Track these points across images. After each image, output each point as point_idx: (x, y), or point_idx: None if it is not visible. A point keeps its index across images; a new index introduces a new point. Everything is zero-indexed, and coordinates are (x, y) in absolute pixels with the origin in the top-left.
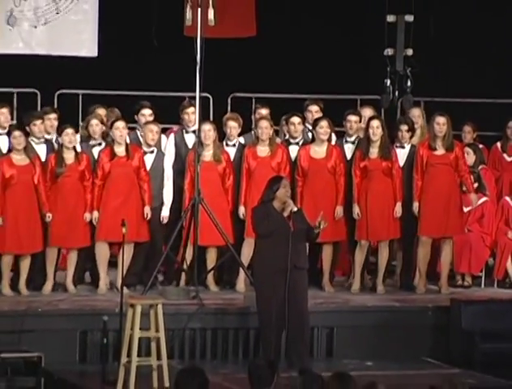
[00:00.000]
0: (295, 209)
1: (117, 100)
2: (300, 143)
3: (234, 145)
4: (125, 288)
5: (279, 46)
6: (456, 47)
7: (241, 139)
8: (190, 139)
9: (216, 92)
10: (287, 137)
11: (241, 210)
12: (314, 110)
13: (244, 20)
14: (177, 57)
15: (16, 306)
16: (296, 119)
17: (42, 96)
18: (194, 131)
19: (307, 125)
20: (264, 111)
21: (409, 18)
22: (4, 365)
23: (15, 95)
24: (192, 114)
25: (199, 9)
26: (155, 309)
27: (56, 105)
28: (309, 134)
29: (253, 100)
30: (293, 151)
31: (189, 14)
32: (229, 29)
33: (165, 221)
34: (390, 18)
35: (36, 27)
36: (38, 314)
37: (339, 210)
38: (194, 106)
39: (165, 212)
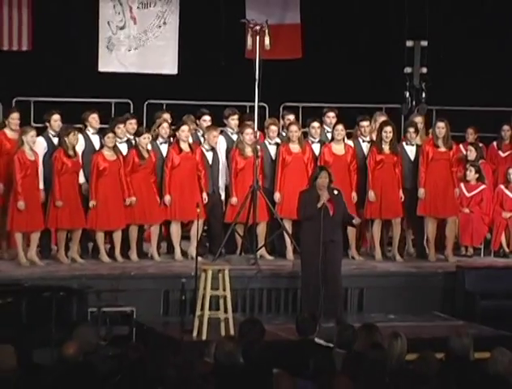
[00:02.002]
0: (325, 200)
1: (193, 109)
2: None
3: (275, 144)
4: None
5: (320, 66)
6: (461, 66)
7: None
8: (234, 139)
9: (271, 102)
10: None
11: (277, 196)
12: (332, 116)
13: (292, 46)
14: (239, 75)
15: (113, 271)
16: (316, 124)
17: (134, 106)
18: (237, 132)
19: (325, 127)
20: (291, 116)
21: (424, 43)
22: (104, 317)
23: (113, 104)
24: (237, 120)
25: (258, 37)
26: (222, 273)
27: (145, 113)
28: (329, 135)
29: (300, 108)
30: (315, 148)
31: (249, 40)
32: (281, 52)
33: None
34: (409, 43)
35: (129, 50)
36: (131, 277)
37: (354, 195)
38: (237, 114)
39: (223, 196)
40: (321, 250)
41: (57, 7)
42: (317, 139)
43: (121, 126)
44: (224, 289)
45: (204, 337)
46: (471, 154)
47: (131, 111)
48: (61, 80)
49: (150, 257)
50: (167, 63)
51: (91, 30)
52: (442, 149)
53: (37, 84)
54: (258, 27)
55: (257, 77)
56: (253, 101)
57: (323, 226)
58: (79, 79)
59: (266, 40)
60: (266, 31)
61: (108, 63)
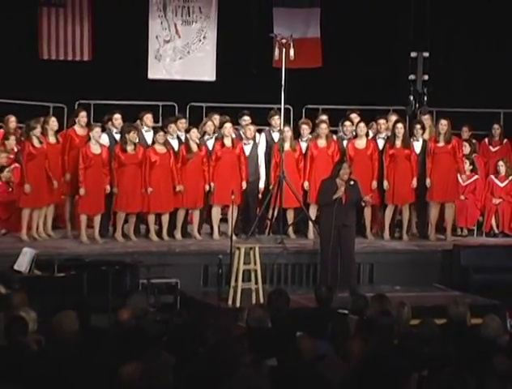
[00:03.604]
0: (341, 194)
1: (229, 110)
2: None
3: (306, 141)
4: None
5: (337, 73)
6: (458, 73)
7: None
8: (276, 136)
9: (295, 104)
10: (340, 134)
11: (306, 184)
12: (354, 117)
13: (313, 56)
14: (268, 81)
15: (161, 248)
16: (348, 123)
17: (179, 108)
18: (278, 130)
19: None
20: (324, 117)
21: (426, 54)
22: (153, 287)
23: (160, 107)
24: (277, 120)
25: (284, 49)
26: (253, 251)
27: (188, 114)
28: (353, 133)
29: (320, 109)
30: (346, 144)
31: (277, 52)
32: (303, 62)
33: (262, 191)
34: (413, 54)
35: (174, 61)
36: (176, 253)
37: (374, 183)
38: (279, 115)
39: (261, 185)
40: (334, 232)
41: (114, 23)
42: (348, 136)
43: (173, 124)
44: (255, 264)
45: (238, 305)
46: (466, 149)
47: (176, 112)
48: (117, 86)
49: (193, 237)
50: (206, 71)
51: (141, 43)
52: (442, 143)
53: (96, 89)
54: (284, 41)
55: (283, 83)
56: (280, 104)
57: (336, 213)
58: (132, 85)
59: (291, 52)
60: (291, 44)
61: (156, 71)
